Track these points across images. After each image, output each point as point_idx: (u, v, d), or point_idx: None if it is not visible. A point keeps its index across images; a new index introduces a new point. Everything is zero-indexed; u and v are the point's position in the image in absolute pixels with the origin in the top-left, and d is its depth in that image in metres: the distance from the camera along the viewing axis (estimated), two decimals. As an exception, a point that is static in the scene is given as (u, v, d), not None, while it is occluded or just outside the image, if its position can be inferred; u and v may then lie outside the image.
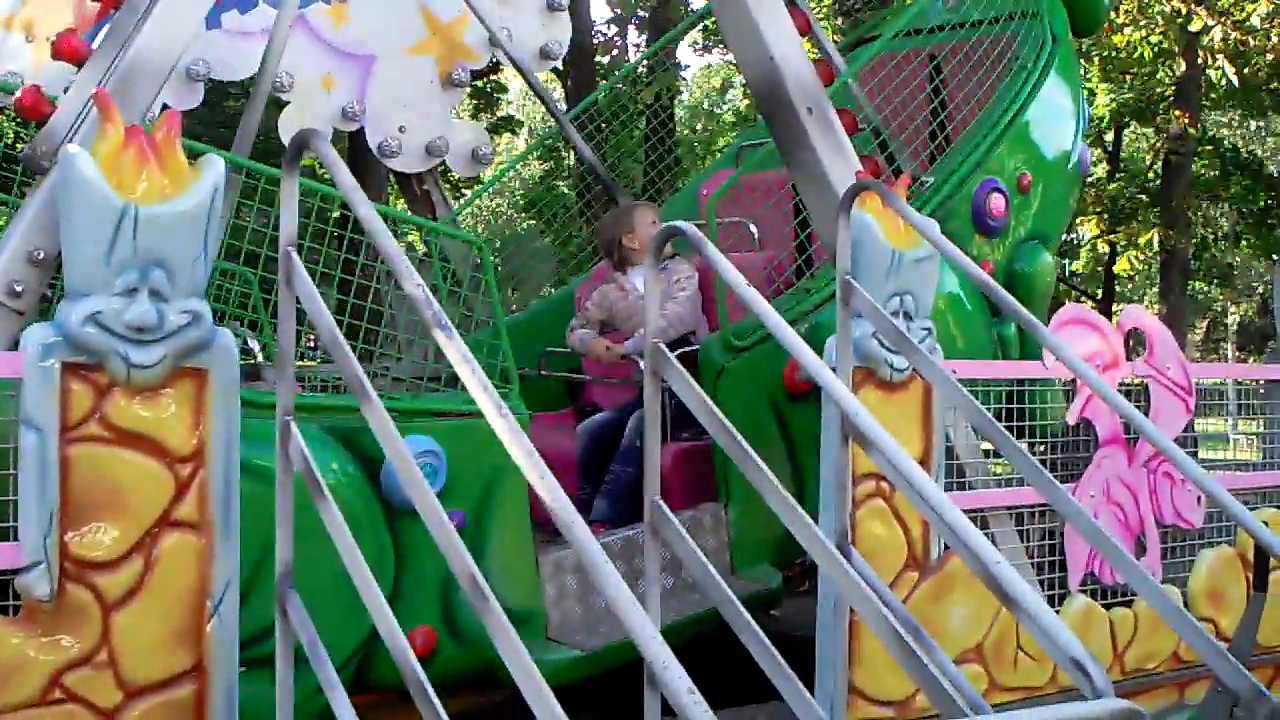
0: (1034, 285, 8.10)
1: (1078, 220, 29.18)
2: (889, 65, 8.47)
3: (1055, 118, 8.56)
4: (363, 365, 3.77)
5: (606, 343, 7.87)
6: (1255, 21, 19.74)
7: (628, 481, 7.07)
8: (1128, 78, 25.26)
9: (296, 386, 4.81)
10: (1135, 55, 22.41)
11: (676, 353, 6.79)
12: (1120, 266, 31.24)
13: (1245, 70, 20.80)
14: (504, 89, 29.38)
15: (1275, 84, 23.31)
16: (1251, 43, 19.76)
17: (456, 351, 3.24)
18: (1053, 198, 8.51)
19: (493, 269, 6.74)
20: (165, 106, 6.66)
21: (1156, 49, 22.46)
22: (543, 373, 8.37)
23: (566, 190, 28.83)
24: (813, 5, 21.70)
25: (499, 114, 29.74)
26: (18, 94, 5.52)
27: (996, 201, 7.87)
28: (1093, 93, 26.39)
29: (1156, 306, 28.51)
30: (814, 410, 6.30)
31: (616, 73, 22.49)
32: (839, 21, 18.59)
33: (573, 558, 6.47)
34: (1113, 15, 20.95)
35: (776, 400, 7.00)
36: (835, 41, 9.98)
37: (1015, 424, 6.75)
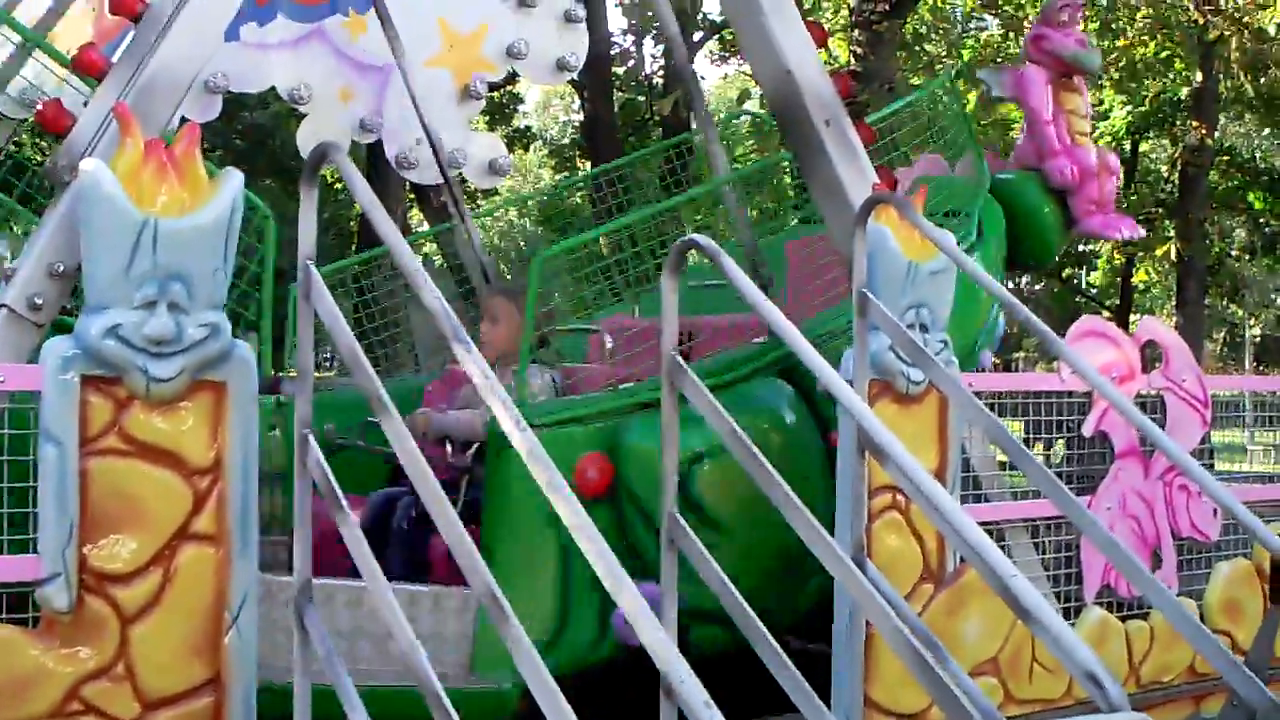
0: None
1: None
2: (814, 245, 8.24)
3: (957, 310, 8.03)
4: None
5: (426, 416, 7.28)
6: (1271, 30, 19.75)
7: (395, 572, 6.56)
8: (1143, 85, 25.21)
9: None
10: (1159, 57, 22.43)
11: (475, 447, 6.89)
12: (1139, 277, 31.20)
13: (1261, 80, 20.79)
14: (520, 100, 29.43)
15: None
16: (1268, 51, 19.74)
17: (475, 364, 3.25)
18: None
19: (275, 243, 6.53)
20: (183, 119, 6.68)
21: (1172, 55, 22.50)
22: (359, 443, 7.67)
23: (580, 201, 28.84)
24: (830, 16, 21.74)
25: (514, 126, 29.76)
26: (39, 107, 5.56)
27: None
28: (1104, 114, 26.38)
29: (1174, 318, 28.47)
30: (602, 514, 6.25)
31: (632, 83, 22.55)
32: (856, 34, 18.57)
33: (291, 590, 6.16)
34: (1129, 26, 20.97)
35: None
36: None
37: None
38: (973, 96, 22.16)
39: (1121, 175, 8.77)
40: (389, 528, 6.94)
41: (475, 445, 6.96)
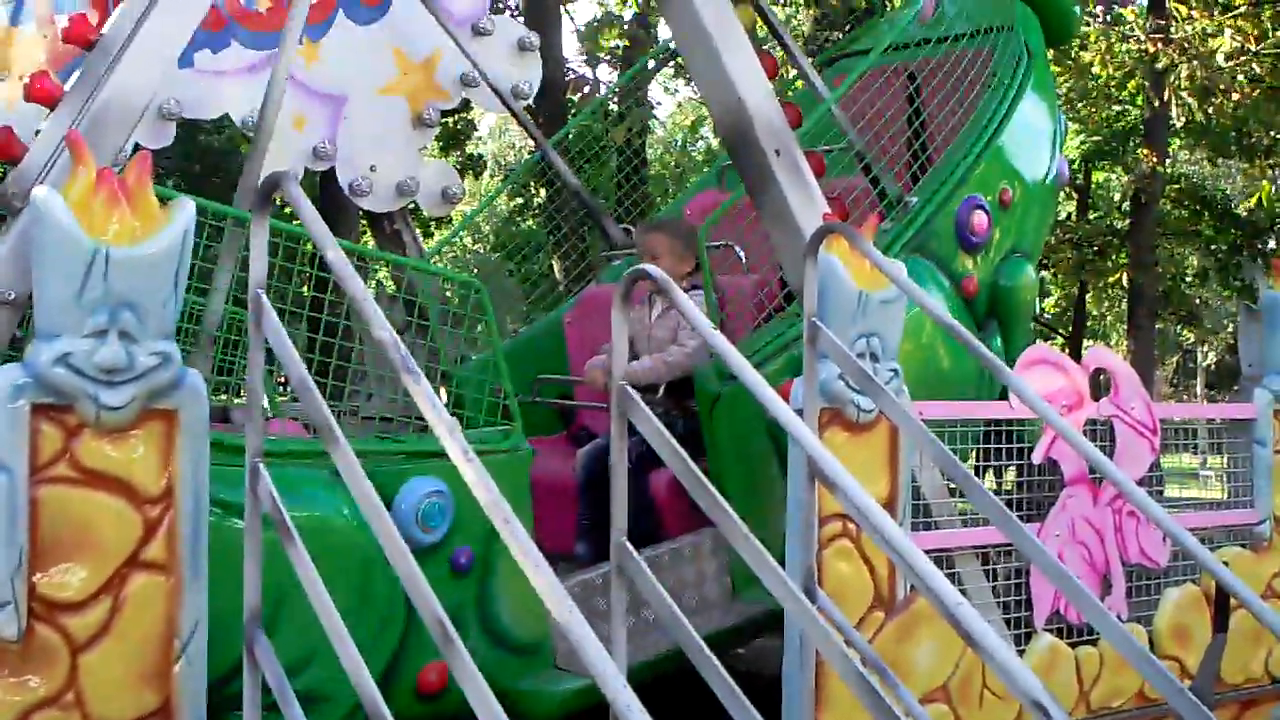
0: (1018, 299, 8.28)
1: (1047, 265, 29.33)
2: (867, 82, 8.53)
3: (1033, 132, 8.72)
4: (331, 404, 3.79)
5: (602, 369, 7.80)
6: (1220, 59, 19.86)
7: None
8: (1095, 110, 25.27)
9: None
10: (1111, 82, 22.55)
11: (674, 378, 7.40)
12: (1090, 305, 31.33)
13: (1211, 109, 20.90)
14: (474, 126, 29.38)
15: (1242, 127, 23.35)
16: (1217, 83, 19.85)
17: (423, 395, 3.27)
18: (1033, 211, 8.67)
19: (492, 310, 6.79)
20: (137, 146, 6.68)
21: (1121, 83, 22.62)
22: (536, 399, 8.39)
23: (535, 226, 28.83)
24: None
25: (467, 152, 29.71)
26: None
27: (979, 218, 8.01)
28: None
29: (1125, 344, 28.57)
30: None
31: (588, 110, 22.65)
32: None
33: (579, 590, 6.62)
34: (1081, 55, 21.09)
35: (772, 426, 6.91)
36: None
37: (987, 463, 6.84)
38: None
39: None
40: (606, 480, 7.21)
41: (661, 386, 7.51)
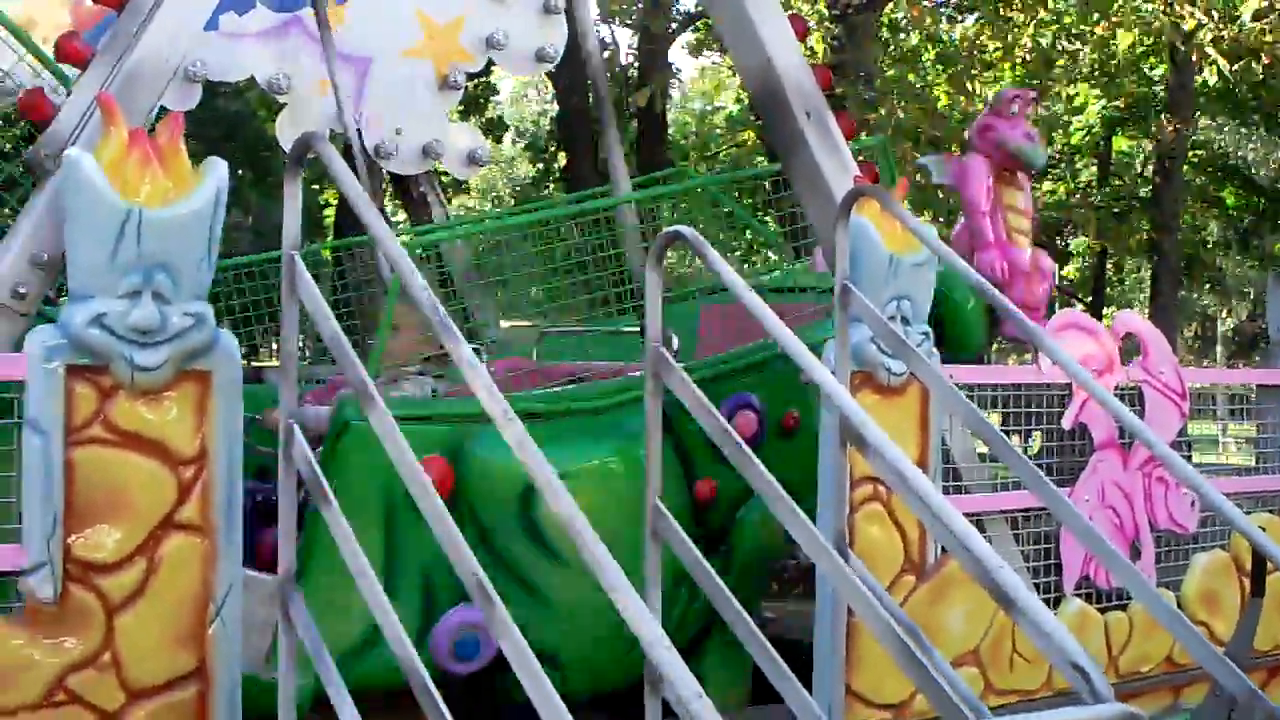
0: (748, 542, 6.92)
1: (1067, 232, 29.22)
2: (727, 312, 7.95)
3: None
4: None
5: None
6: (1246, 19, 19.72)
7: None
8: (1120, 84, 25.13)
9: None
10: (1136, 53, 22.43)
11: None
12: (1110, 274, 31.23)
13: (1236, 70, 20.75)
14: (495, 90, 29.31)
15: (1266, 92, 23.21)
16: (1245, 43, 19.69)
17: (463, 355, 3.26)
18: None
19: None
20: (162, 109, 6.67)
21: (1147, 49, 22.52)
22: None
23: (557, 192, 28.72)
24: (806, 9, 21.75)
25: (487, 116, 29.68)
26: (20, 95, 5.53)
27: (745, 419, 6.88)
28: (1079, 108, 26.33)
29: (1147, 310, 28.49)
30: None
31: (609, 75, 22.56)
32: (830, 26, 18.56)
33: (269, 585, 5.80)
34: (1106, 20, 20.96)
35: (391, 490, 5.83)
36: None
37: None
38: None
39: (1056, 277, 8.51)
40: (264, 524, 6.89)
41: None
